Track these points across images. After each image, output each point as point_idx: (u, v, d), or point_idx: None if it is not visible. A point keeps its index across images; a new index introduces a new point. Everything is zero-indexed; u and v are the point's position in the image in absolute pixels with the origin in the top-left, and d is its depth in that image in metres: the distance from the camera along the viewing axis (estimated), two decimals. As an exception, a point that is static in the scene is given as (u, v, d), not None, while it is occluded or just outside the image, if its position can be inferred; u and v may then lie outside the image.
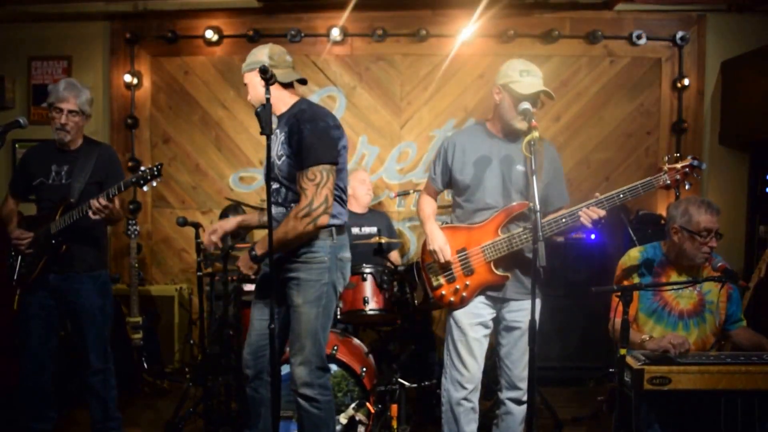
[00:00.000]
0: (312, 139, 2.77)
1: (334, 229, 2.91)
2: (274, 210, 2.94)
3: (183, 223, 4.02)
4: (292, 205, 2.86)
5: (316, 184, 2.76)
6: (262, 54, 2.96)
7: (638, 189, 2.89)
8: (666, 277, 3.18)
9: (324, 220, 2.79)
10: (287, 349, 3.23)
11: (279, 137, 2.92)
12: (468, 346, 3.09)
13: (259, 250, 2.86)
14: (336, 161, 2.85)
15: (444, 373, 3.23)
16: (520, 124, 2.93)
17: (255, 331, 3.07)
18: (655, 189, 2.93)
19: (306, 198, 2.75)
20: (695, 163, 2.90)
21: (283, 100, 2.98)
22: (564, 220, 2.89)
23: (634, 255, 3.30)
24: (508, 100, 2.96)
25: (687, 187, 2.94)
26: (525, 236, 2.93)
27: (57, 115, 3.46)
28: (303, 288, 2.89)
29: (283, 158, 2.87)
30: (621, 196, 2.88)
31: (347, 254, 3.03)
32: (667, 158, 2.95)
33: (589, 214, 2.84)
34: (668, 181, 2.90)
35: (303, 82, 3.06)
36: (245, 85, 3.04)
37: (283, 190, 2.93)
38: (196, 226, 4.09)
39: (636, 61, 5.36)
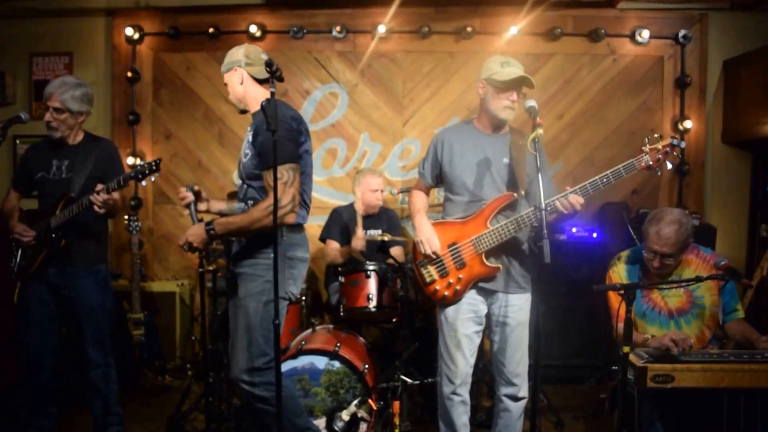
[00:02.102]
0: (274, 141, 2.78)
1: (284, 228, 2.93)
2: (240, 206, 3.05)
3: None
4: (250, 202, 2.96)
5: (284, 183, 2.82)
6: (238, 54, 3.03)
7: (620, 171, 2.92)
8: (650, 279, 3.21)
9: (291, 218, 2.88)
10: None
11: (247, 136, 3.01)
12: (456, 341, 3.10)
13: (218, 230, 2.88)
14: (297, 161, 2.91)
15: (438, 369, 3.25)
16: (504, 113, 3.02)
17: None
18: (637, 170, 2.95)
19: (270, 196, 2.75)
20: (675, 142, 2.94)
21: (257, 99, 3.02)
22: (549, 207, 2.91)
23: (621, 258, 3.36)
24: (491, 92, 3.03)
25: (669, 166, 2.96)
26: (513, 226, 2.96)
27: (47, 111, 3.49)
28: (247, 282, 2.94)
29: (248, 156, 2.96)
30: (604, 180, 2.91)
31: (300, 254, 3.02)
32: (647, 139, 2.97)
33: (563, 203, 2.87)
34: (650, 162, 2.93)
35: (280, 80, 3.07)
36: (225, 85, 3.10)
37: (245, 186, 3.02)
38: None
39: (638, 59, 5.36)
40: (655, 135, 2.96)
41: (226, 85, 3.10)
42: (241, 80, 3.02)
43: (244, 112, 3.12)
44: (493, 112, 3.05)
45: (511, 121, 3.15)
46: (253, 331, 2.90)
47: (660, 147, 2.92)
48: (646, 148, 2.94)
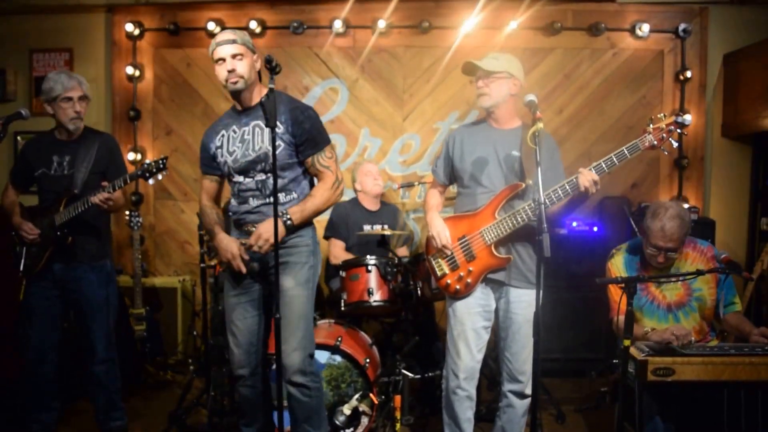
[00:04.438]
0: (318, 123, 3.02)
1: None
2: (258, 202, 2.98)
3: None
4: (281, 194, 2.93)
5: (335, 161, 3.04)
6: None
7: (624, 153, 2.87)
8: (648, 271, 3.22)
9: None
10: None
11: (267, 128, 2.88)
12: (464, 335, 3.11)
13: (295, 219, 2.91)
14: None
15: (445, 362, 3.26)
16: (479, 101, 3.13)
17: (241, 332, 3.06)
18: (641, 150, 2.89)
19: (332, 173, 3.01)
20: (679, 119, 2.86)
21: (260, 91, 3.04)
22: (560, 191, 2.91)
23: (619, 251, 3.37)
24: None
25: (675, 145, 2.91)
26: (520, 216, 2.96)
27: (68, 104, 3.45)
28: (294, 270, 2.95)
29: (282, 147, 2.93)
30: (609, 163, 2.87)
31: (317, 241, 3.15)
32: (651, 119, 2.92)
33: (586, 176, 2.83)
34: (654, 141, 2.87)
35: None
36: None
37: (270, 180, 2.91)
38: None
39: (638, 54, 5.34)
40: (659, 115, 2.92)
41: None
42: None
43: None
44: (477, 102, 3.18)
45: (523, 117, 3.18)
46: (307, 320, 2.97)
47: (664, 126, 2.87)
48: (650, 128, 2.89)
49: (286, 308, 2.91)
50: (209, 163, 3.11)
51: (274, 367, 3.16)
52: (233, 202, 3.06)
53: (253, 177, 2.97)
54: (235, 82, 2.90)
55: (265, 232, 2.82)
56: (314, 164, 2.99)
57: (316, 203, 2.95)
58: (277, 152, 2.89)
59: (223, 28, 5.33)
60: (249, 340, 3.06)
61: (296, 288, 2.94)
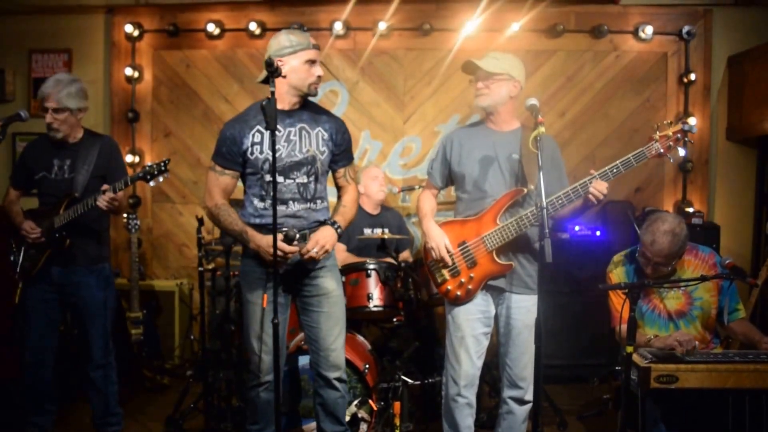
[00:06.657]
0: None
1: None
2: (298, 206, 2.96)
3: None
4: (318, 200, 3.01)
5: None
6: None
7: (630, 161, 2.84)
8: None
9: None
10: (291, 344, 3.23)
11: (313, 131, 2.97)
12: (463, 342, 3.07)
13: (343, 227, 3.03)
14: None
15: (444, 369, 3.22)
16: (476, 101, 3.08)
17: (270, 337, 2.96)
18: (647, 159, 2.86)
19: (356, 186, 3.17)
20: (686, 127, 2.84)
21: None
22: (571, 193, 2.86)
23: (619, 259, 3.34)
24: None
25: (682, 153, 2.88)
26: (522, 222, 2.91)
27: (46, 113, 3.43)
28: (334, 273, 3.08)
29: (326, 154, 2.98)
30: (614, 170, 2.84)
31: None
32: (657, 126, 2.89)
33: (597, 186, 2.79)
34: (661, 149, 2.85)
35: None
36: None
37: (312, 185, 2.98)
38: None
39: (642, 56, 5.30)
40: (666, 122, 2.89)
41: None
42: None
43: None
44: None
45: (524, 120, 3.15)
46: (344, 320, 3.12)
47: (671, 133, 2.84)
48: (656, 136, 2.86)
49: (334, 308, 3.04)
50: (234, 158, 2.93)
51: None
52: (257, 203, 2.96)
53: (294, 179, 2.94)
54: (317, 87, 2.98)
55: (324, 240, 2.89)
56: (345, 175, 3.11)
57: (353, 213, 3.10)
58: (322, 157, 2.98)
59: (224, 30, 5.34)
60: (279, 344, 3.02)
61: (338, 289, 3.07)
